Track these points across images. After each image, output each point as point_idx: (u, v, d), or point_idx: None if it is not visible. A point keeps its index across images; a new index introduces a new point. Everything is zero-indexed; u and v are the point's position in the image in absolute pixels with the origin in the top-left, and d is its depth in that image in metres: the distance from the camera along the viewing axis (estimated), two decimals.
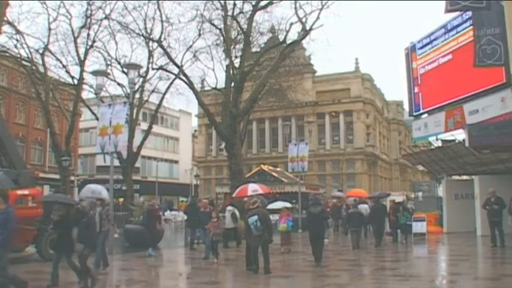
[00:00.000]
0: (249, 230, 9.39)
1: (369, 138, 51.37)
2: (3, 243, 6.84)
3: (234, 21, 22.23)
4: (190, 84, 22.87)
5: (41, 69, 26.41)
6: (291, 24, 22.28)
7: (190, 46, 25.16)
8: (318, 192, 30.22)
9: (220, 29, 22.34)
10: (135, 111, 26.71)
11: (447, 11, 11.67)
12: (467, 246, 14.83)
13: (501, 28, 12.91)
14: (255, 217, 9.26)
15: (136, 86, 22.30)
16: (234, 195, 18.70)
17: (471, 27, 15.79)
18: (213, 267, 10.90)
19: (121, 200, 27.90)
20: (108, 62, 26.65)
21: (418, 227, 16.44)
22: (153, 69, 26.57)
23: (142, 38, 25.22)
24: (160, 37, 23.24)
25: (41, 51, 25.88)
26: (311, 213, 11.72)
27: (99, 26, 25.53)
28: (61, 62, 26.47)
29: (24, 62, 26.34)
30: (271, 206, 16.49)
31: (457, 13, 17.44)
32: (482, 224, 16.40)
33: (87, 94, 30.44)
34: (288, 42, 22.53)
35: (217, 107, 29.50)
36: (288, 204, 15.95)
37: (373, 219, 15.78)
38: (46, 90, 26.86)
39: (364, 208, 16.56)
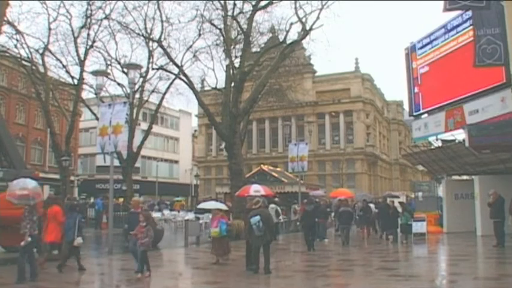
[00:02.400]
0: (251, 230, 9.39)
1: (369, 138, 51.37)
2: None
3: (234, 21, 22.21)
4: (190, 84, 22.86)
5: (41, 69, 26.40)
6: (291, 24, 22.28)
7: (190, 46, 25.17)
8: (318, 193, 30.16)
9: (220, 29, 22.32)
10: (135, 111, 26.69)
11: (445, 9, 11.66)
12: (467, 246, 14.84)
13: (501, 28, 12.91)
14: (257, 217, 9.27)
15: (136, 86, 22.29)
16: (236, 194, 18.74)
17: (471, 27, 15.80)
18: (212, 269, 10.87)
19: (121, 200, 27.92)
20: (108, 62, 26.66)
21: (418, 227, 16.47)
22: (153, 69, 26.58)
23: (142, 38, 25.20)
24: (160, 37, 23.23)
25: (41, 51, 25.87)
26: (306, 210, 14.85)
27: (99, 26, 25.54)
28: (61, 62, 26.49)
29: (24, 62, 26.33)
30: (202, 206, 16.18)
31: (457, 13, 17.47)
32: (482, 224, 16.44)
33: (87, 94, 30.47)
34: (288, 42, 22.51)
35: (217, 107, 29.48)
36: (223, 206, 13.56)
37: (379, 217, 17.98)
38: (46, 90, 26.84)
39: (371, 207, 19.19)
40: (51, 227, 10.41)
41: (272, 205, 19.23)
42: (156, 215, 21.69)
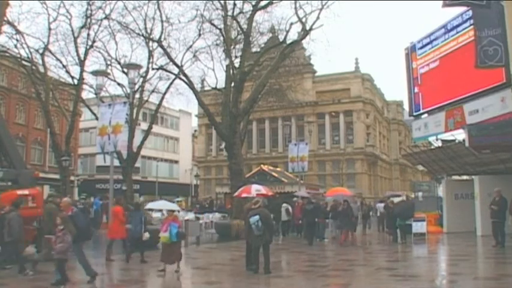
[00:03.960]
0: (250, 229, 9.39)
1: (369, 138, 51.37)
2: None
3: (234, 21, 22.23)
4: (190, 84, 22.87)
5: (41, 69, 26.39)
6: (291, 24, 22.32)
7: (190, 46, 25.17)
8: (318, 192, 30.14)
9: (220, 29, 22.33)
10: (135, 111, 26.68)
11: (445, 5, 11.64)
12: (467, 246, 14.83)
13: (502, 29, 12.91)
14: (257, 217, 9.27)
15: (136, 86, 22.27)
16: (236, 193, 18.75)
17: (471, 27, 15.80)
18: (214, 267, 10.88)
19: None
20: (108, 62, 26.65)
21: (418, 227, 16.46)
22: (153, 69, 26.57)
23: (142, 38, 25.20)
24: (160, 37, 23.23)
25: (41, 51, 25.87)
26: (305, 209, 16.45)
27: (99, 26, 25.54)
28: (61, 62, 26.49)
29: (24, 62, 26.33)
30: (150, 206, 15.07)
31: (457, 13, 17.49)
32: (482, 224, 16.43)
33: (87, 94, 30.46)
34: (288, 42, 22.53)
35: (217, 107, 29.48)
36: (174, 207, 11.95)
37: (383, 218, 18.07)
38: (46, 90, 26.84)
39: (380, 207, 19.46)
40: (115, 225, 11.60)
41: (284, 204, 19.34)
42: (156, 215, 21.66)
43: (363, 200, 28.91)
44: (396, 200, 20.93)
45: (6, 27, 22.75)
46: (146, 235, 11.44)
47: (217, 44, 24.58)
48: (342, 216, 16.47)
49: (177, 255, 9.98)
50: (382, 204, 19.82)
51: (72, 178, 35.72)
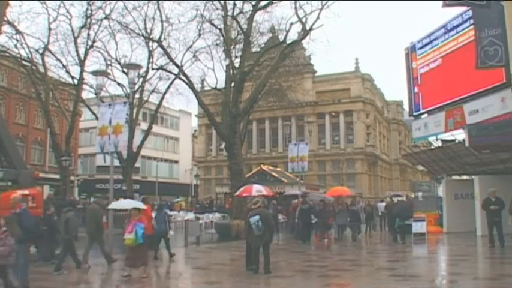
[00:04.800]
0: (250, 229, 9.39)
1: (369, 138, 51.34)
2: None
3: (234, 21, 22.21)
4: (190, 84, 22.86)
5: (41, 69, 26.39)
6: (291, 24, 22.29)
7: (190, 46, 25.16)
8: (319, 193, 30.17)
9: (220, 29, 22.33)
10: (135, 111, 26.68)
11: (445, 5, 11.64)
12: (467, 246, 14.84)
13: (502, 29, 12.91)
14: (257, 217, 9.27)
15: (136, 86, 22.27)
16: (237, 193, 18.74)
17: (471, 27, 15.81)
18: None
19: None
20: (108, 62, 26.64)
21: (418, 227, 16.47)
22: (153, 69, 26.56)
23: (142, 38, 25.19)
24: (160, 37, 23.22)
25: (41, 51, 25.87)
26: (302, 208, 16.35)
27: (99, 26, 25.52)
28: (61, 62, 26.48)
29: (24, 62, 26.32)
30: (113, 206, 13.58)
31: (457, 13, 17.50)
32: (482, 224, 16.42)
33: (87, 94, 30.46)
34: (288, 42, 22.51)
35: (217, 107, 29.47)
36: (140, 205, 10.96)
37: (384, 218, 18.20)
38: (46, 90, 26.83)
39: (381, 206, 19.64)
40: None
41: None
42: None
43: (365, 200, 28.92)
44: (396, 200, 21.02)
45: (6, 27, 22.78)
46: (171, 233, 12.53)
47: (217, 44, 24.61)
48: (319, 217, 15.69)
49: (143, 259, 9.13)
50: (384, 204, 19.91)
51: (72, 178, 35.72)
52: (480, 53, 13.17)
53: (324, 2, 20.60)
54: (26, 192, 11.58)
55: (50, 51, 26.19)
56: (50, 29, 25.61)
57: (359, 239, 17.64)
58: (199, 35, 23.85)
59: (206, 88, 31.35)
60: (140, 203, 12.45)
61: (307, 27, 21.25)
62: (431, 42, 19.61)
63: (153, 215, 12.78)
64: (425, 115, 20.25)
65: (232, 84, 22.58)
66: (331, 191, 23.10)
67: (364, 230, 20.52)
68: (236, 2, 21.76)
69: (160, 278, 10.41)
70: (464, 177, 21.87)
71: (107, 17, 24.67)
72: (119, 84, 27.00)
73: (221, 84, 25.21)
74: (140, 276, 9.05)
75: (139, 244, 8.91)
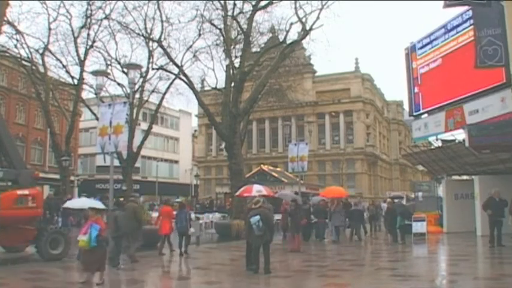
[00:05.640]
0: (251, 229, 9.39)
1: (369, 138, 51.36)
2: None
3: (234, 21, 22.21)
4: (190, 84, 22.85)
5: (41, 69, 26.38)
6: (291, 24, 22.29)
7: (190, 46, 25.12)
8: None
9: (220, 29, 22.32)
10: (135, 111, 26.65)
11: (446, 6, 11.64)
12: (467, 246, 14.84)
13: (501, 28, 12.91)
14: (257, 217, 9.26)
15: (136, 86, 22.25)
16: (237, 193, 18.74)
17: (471, 27, 15.81)
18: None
19: (121, 200, 27.87)
20: (108, 62, 26.59)
21: (418, 227, 16.47)
22: (153, 69, 26.52)
23: (142, 38, 25.15)
24: (160, 37, 23.20)
25: (41, 51, 25.85)
26: (302, 209, 15.95)
27: (99, 26, 25.47)
28: (61, 62, 26.44)
29: (24, 62, 26.31)
30: (68, 205, 13.80)
31: (457, 13, 17.49)
32: (482, 224, 16.42)
33: (87, 94, 30.42)
34: (288, 42, 22.51)
35: (217, 107, 29.47)
36: (98, 205, 10.16)
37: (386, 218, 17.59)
38: (46, 90, 26.83)
39: (385, 207, 19.11)
40: (165, 222, 12.91)
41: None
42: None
43: (369, 200, 28.51)
44: (396, 201, 21.02)
45: (6, 27, 22.75)
46: (192, 230, 13.45)
47: (217, 44, 24.58)
48: (291, 218, 14.87)
49: (99, 263, 8.32)
50: (384, 205, 20.04)
51: (72, 178, 35.71)
52: (479, 52, 13.18)
53: (324, 2, 20.63)
54: (26, 192, 11.56)
55: (50, 51, 26.20)
56: (50, 29, 25.62)
57: (363, 239, 17.54)
58: (199, 35, 23.85)
59: (206, 88, 31.34)
60: (98, 202, 11.88)
61: (307, 27, 21.26)
62: (431, 42, 19.61)
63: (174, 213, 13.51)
64: (425, 115, 20.25)
65: (232, 84, 22.57)
66: (326, 191, 22.77)
67: (369, 231, 20.23)
68: (236, 2, 21.78)
69: (160, 278, 10.41)
70: (464, 177, 21.87)
71: (107, 17, 24.66)
72: (118, 84, 26.99)
73: (221, 84, 25.20)
74: (96, 283, 8.28)
75: (93, 247, 8.08)
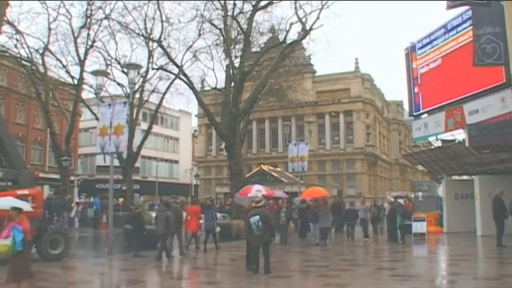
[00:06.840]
0: (250, 229, 9.39)
1: (369, 138, 51.35)
2: None
3: (234, 21, 22.22)
4: (190, 84, 22.87)
5: (41, 69, 26.38)
6: (291, 24, 22.32)
7: (190, 46, 25.16)
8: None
9: (220, 29, 22.34)
10: (135, 111, 26.68)
11: (449, 7, 11.65)
12: (467, 246, 14.83)
13: (501, 27, 12.92)
14: (257, 217, 9.26)
15: (136, 86, 22.28)
16: (238, 193, 18.73)
17: (471, 27, 15.81)
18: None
19: (121, 200, 27.90)
20: (108, 62, 26.63)
21: (418, 227, 16.47)
22: (153, 69, 26.56)
23: (142, 38, 25.19)
24: (160, 37, 23.23)
25: (41, 51, 25.85)
26: (300, 207, 16.96)
27: (99, 26, 25.52)
28: (61, 62, 26.47)
29: (24, 62, 26.30)
30: None
31: (457, 13, 17.48)
32: (482, 224, 16.44)
33: (87, 94, 30.44)
34: (288, 42, 22.53)
35: (217, 107, 29.48)
36: (23, 205, 8.04)
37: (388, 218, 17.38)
38: (46, 90, 26.82)
39: (388, 208, 18.80)
40: (192, 221, 13.50)
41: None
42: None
43: (370, 200, 28.05)
44: (398, 200, 21.00)
45: (6, 27, 22.77)
46: (218, 228, 14.46)
47: (217, 44, 24.61)
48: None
49: (25, 271, 7.02)
50: (386, 205, 20.00)
51: (72, 178, 35.69)
52: (478, 50, 13.19)
53: (324, 2, 20.65)
54: (26, 192, 11.55)
55: (50, 51, 26.21)
56: (50, 29, 25.63)
57: (366, 243, 16.29)
58: (199, 35, 23.88)
59: (206, 88, 31.37)
60: (23, 202, 8.76)
61: (307, 27, 21.27)
62: (431, 42, 19.61)
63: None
64: (425, 115, 20.25)
65: (232, 84, 22.59)
66: (307, 193, 21.63)
67: (373, 234, 18.03)
68: (236, 2, 21.80)
69: (160, 278, 10.41)
70: (464, 177, 21.88)
71: (107, 17, 24.69)
72: (118, 84, 27.03)
73: (221, 84, 25.22)
74: None
75: (18, 252, 6.76)
